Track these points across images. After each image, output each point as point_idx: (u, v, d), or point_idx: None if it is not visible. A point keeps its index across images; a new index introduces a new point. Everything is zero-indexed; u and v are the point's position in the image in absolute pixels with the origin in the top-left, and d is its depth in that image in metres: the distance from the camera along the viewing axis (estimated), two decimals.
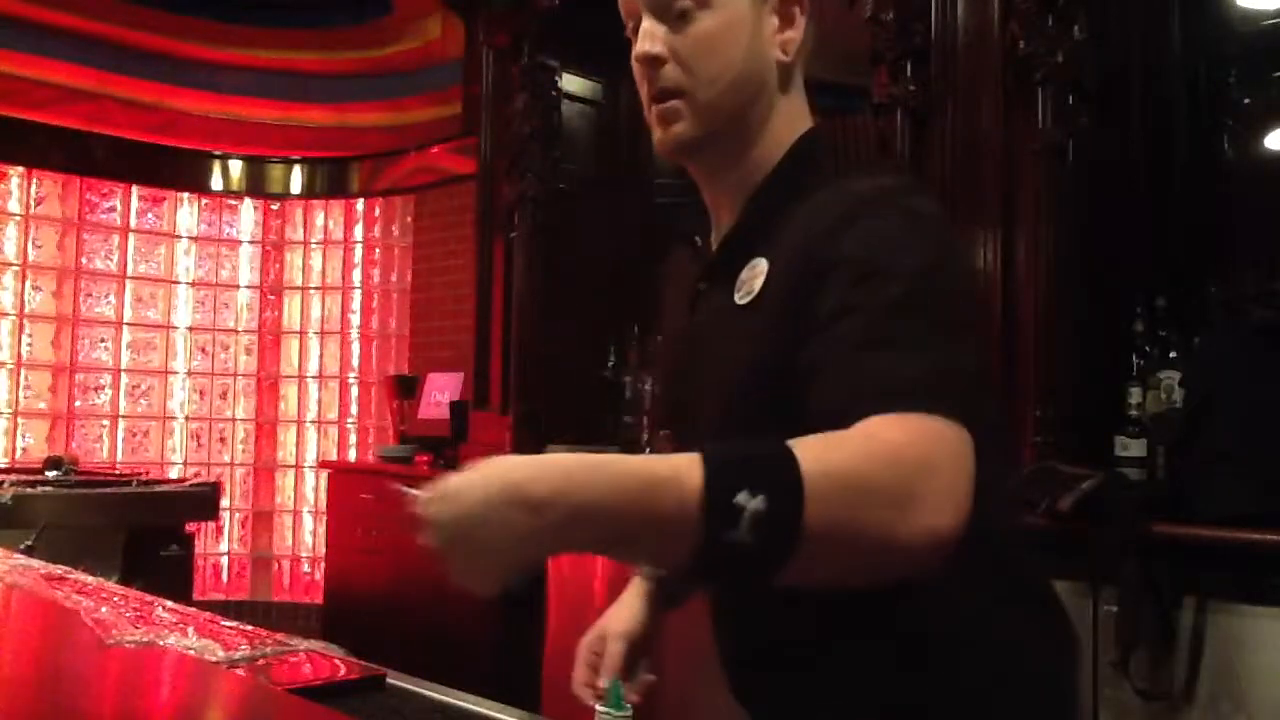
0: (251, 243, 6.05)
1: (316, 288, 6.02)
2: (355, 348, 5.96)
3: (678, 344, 1.19)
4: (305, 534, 5.89)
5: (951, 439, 0.79)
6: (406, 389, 5.12)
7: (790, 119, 1.09)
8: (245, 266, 6.05)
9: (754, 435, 0.86)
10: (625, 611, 1.30)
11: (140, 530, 3.81)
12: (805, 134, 1.09)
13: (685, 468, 0.73)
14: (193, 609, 1.72)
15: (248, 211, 6.05)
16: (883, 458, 0.76)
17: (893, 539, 0.75)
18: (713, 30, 1.02)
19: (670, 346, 1.24)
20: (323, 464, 5.61)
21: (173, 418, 5.84)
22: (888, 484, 0.75)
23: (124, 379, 5.70)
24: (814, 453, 0.74)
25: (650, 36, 1.03)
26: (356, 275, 5.97)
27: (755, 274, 1.01)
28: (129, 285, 5.72)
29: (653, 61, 1.03)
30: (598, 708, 1.18)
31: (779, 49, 1.07)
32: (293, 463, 5.96)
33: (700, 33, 1.02)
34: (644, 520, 0.72)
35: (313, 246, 6.04)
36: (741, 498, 0.70)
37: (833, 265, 0.90)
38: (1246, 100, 2.76)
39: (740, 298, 1.02)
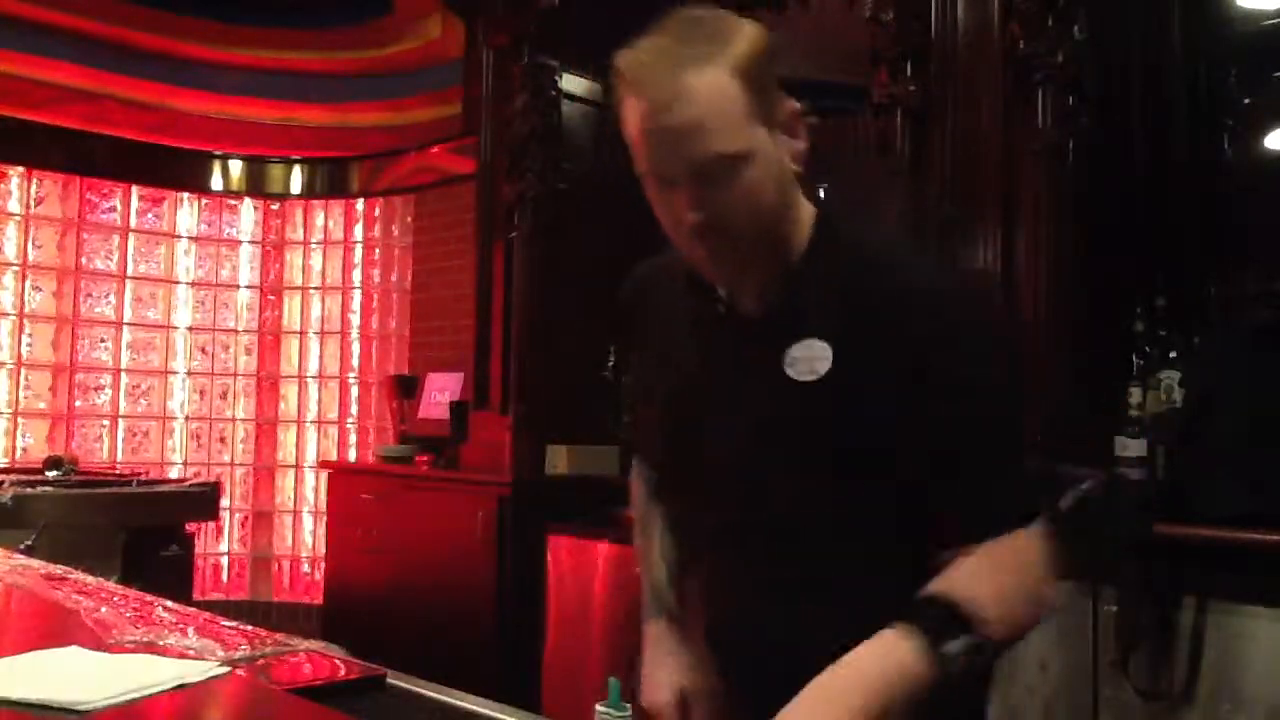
0: (251, 243, 6.05)
1: (316, 288, 6.01)
2: (355, 348, 5.96)
3: (691, 384, 1.25)
4: (305, 534, 5.89)
5: (1040, 544, 1.13)
6: (406, 389, 5.12)
7: (800, 207, 1.19)
8: (245, 266, 6.05)
9: (834, 492, 1.15)
10: (682, 664, 1.33)
11: (140, 530, 3.82)
12: (819, 216, 1.20)
13: (912, 658, 0.99)
14: (193, 609, 1.72)
15: (248, 211, 6.05)
16: (1020, 571, 1.10)
17: (1040, 611, 1.11)
18: (752, 181, 1.09)
19: (678, 385, 1.28)
20: (323, 464, 5.61)
21: (173, 418, 5.84)
22: (1028, 588, 1.10)
23: (124, 379, 5.70)
24: (981, 591, 1.03)
25: (695, 206, 1.08)
26: (356, 275, 5.97)
27: (813, 351, 1.14)
28: (129, 285, 5.71)
29: (702, 224, 1.09)
30: (598, 707, 1.18)
31: (791, 161, 1.15)
32: (293, 463, 5.96)
33: (742, 187, 1.08)
34: (906, 700, 0.98)
35: (313, 246, 6.04)
36: (950, 646, 0.99)
37: (939, 383, 1.10)
38: (1246, 100, 2.76)
39: (797, 373, 1.14)
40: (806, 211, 1.20)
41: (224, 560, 5.89)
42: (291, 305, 6.04)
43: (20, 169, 5.39)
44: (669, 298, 1.30)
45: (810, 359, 1.14)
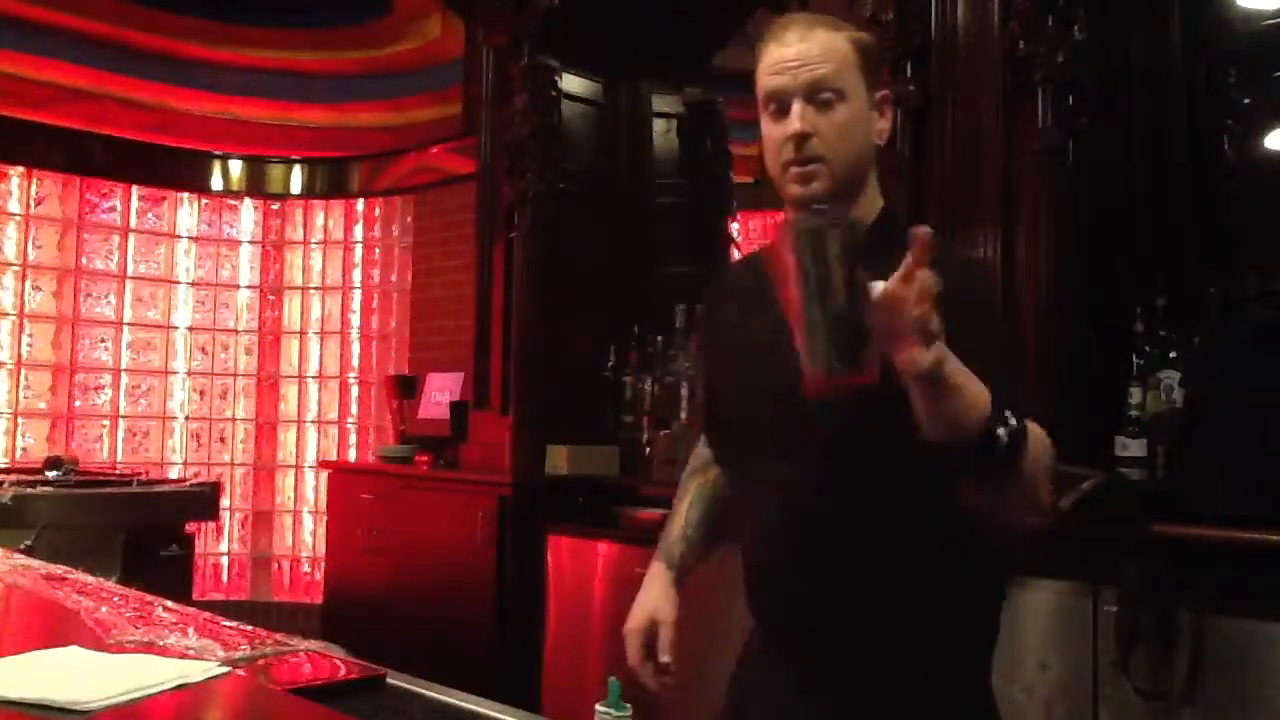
0: (251, 243, 6.05)
1: (316, 288, 6.02)
2: (355, 348, 5.96)
3: (755, 346, 1.45)
4: (305, 534, 5.89)
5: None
6: (406, 389, 5.12)
7: (875, 188, 1.45)
8: (245, 266, 6.05)
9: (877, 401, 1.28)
10: (664, 599, 1.58)
11: (140, 530, 3.82)
12: (885, 205, 1.47)
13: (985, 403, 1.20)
14: (193, 609, 1.72)
15: (248, 211, 6.05)
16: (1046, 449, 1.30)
17: (1044, 485, 1.29)
18: (847, 118, 1.38)
19: (742, 347, 1.50)
20: (323, 464, 5.61)
21: (173, 418, 5.84)
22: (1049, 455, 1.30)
23: (124, 379, 5.70)
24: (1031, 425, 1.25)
25: (801, 117, 1.37)
26: (356, 275, 5.97)
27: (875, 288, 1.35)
28: (129, 285, 5.72)
29: (804, 137, 1.36)
30: (598, 707, 1.18)
31: (877, 136, 1.43)
32: (293, 463, 5.96)
33: (839, 119, 1.37)
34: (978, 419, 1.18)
35: (313, 246, 6.04)
36: (1001, 430, 1.19)
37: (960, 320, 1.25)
38: (1246, 100, 2.76)
39: None
40: (876, 195, 1.45)
41: (224, 560, 5.89)
42: (291, 305, 6.05)
43: (20, 169, 5.39)
44: (753, 284, 1.49)
45: None
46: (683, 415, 3.80)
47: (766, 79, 1.41)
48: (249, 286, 6.04)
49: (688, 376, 3.81)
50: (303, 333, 6.01)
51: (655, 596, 1.59)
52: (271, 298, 6.05)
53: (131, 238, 5.73)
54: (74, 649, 1.31)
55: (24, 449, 5.32)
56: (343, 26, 5.74)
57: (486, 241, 4.43)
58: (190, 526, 4.24)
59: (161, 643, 1.38)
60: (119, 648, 1.36)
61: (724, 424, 1.59)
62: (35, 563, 2.12)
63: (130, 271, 5.72)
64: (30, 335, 5.41)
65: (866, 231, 1.33)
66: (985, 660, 1.44)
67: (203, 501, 4.28)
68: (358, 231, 5.99)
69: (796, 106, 1.37)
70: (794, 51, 1.39)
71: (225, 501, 5.53)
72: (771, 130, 1.40)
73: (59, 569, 2.00)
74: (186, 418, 5.88)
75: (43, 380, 5.45)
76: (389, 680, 1.36)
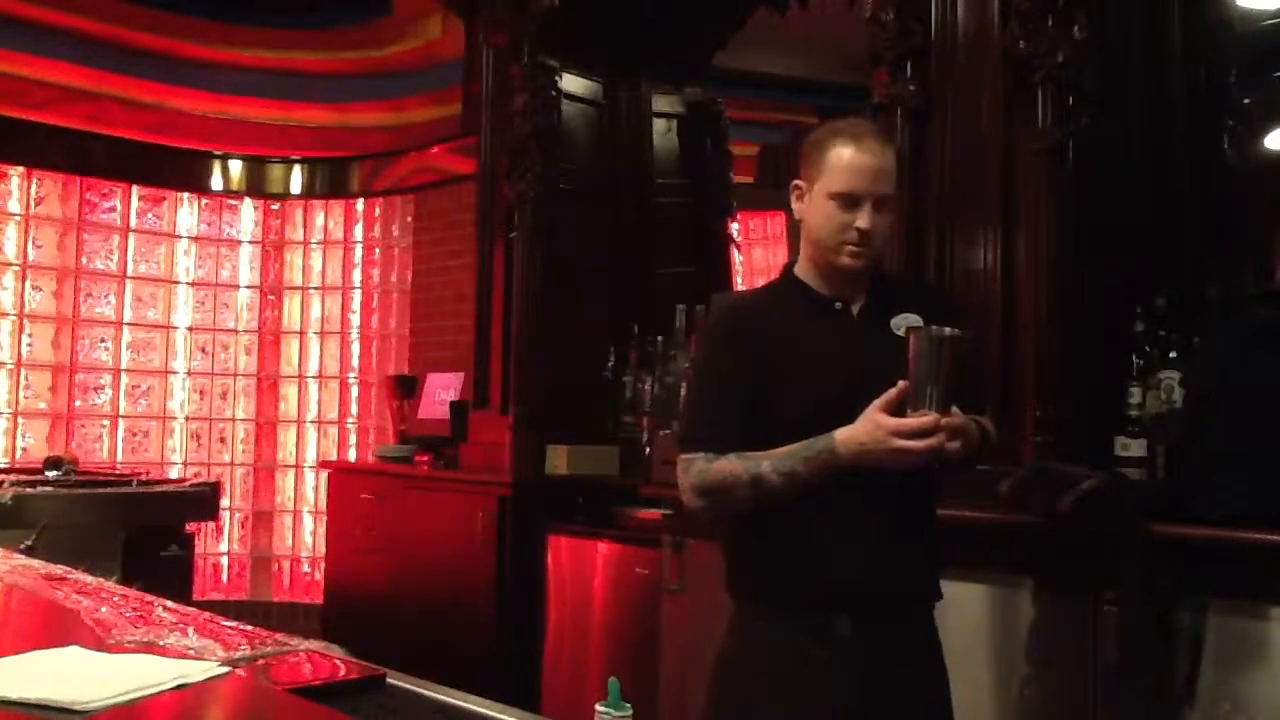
0: (251, 243, 6.05)
1: (316, 288, 6.02)
2: (355, 348, 5.96)
3: (827, 357, 1.84)
4: (305, 534, 5.89)
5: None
6: (406, 389, 5.12)
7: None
8: (245, 266, 6.05)
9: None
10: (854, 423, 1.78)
11: (140, 530, 3.82)
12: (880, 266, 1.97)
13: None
14: (193, 609, 1.72)
15: (248, 211, 6.05)
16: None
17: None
18: (890, 220, 1.87)
19: (817, 359, 1.85)
20: (323, 464, 5.61)
21: (173, 418, 5.84)
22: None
23: (124, 379, 5.70)
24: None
25: (871, 219, 1.81)
26: (356, 275, 5.97)
27: (909, 320, 1.81)
28: (129, 285, 5.72)
29: (868, 233, 1.81)
30: (598, 708, 1.18)
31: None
32: (293, 463, 5.96)
33: (886, 220, 1.84)
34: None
35: (313, 246, 6.04)
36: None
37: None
38: (1246, 100, 2.76)
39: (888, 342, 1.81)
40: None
41: (224, 560, 5.89)
42: (291, 305, 6.05)
43: (20, 169, 5.39)
44: (773, 315, 1.90)
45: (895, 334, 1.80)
46: None
47: (843, 173, 1.81)
48: (249, 286, 6.04)
49: (687, 377, 3.81)
50: (303, 333, 6.01)
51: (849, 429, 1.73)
52: (271, 298, 6.05)
53: (131, 238, 5.73)
54: (74, 649, 1.31)
55: (24, 449, 5.32)
56: (343, 26, 5.75)
57: (486, 241, 4.44)
58: (190, 526, 4.25)
59: (161, 643, 1.38)
60: (119, 648, 1.36)
61: (760, 433, 1.78)
62: (35, 563, 2.12)
63: (130, 271, 5.72)
64: (30, 335, 5.41)
65: (871, 280, 1.89)
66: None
67: (203, 501, 4.29)
68: (358, 231, 5.99)
69: (866, 210, 1.80)
70: (878, 163, 1.81)
71: (225, 501, 5.53)
72: (836, 213, 1.81)
73: (59, 569, 2.00)
74: (186, 418, 5.88)
75: (43, 380, 5.45)
76: (389, 680, 1.36)
